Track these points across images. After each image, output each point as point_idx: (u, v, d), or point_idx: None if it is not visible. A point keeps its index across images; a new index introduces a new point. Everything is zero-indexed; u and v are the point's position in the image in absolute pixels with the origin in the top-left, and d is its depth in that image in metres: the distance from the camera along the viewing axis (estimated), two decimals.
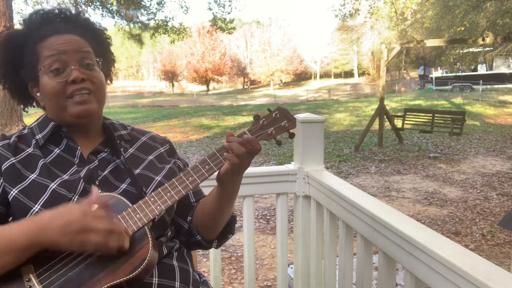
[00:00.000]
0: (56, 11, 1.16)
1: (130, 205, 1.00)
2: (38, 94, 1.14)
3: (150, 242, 0.97)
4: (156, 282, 1.03)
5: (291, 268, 2.37)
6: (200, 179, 1.03)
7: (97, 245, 0.89)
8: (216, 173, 1.06)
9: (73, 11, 1.18)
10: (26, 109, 1.23)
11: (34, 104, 1.21)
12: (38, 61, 1.10)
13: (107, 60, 1.23)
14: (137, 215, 0.98)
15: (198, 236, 1.21)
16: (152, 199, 1.01)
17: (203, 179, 1.04)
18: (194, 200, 1.25)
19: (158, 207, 1.00)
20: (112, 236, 0.90)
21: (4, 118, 7.46)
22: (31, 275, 0.93)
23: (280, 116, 1.09)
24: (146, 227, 0.98)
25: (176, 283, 1.07)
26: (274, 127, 1.08)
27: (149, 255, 0.95)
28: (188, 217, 1.22)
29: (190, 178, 1.03)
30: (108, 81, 1.24)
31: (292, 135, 1.11)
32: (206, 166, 1.04)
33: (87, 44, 1.13)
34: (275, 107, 1.11)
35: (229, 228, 1.26)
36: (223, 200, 1.13)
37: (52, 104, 1.11)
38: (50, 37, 1.10)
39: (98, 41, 1.20)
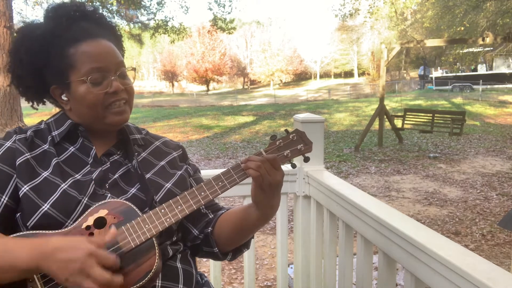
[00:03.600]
0: (76, 7, 1.09)
1: (140, 214, 0.99)
2: (64, 97, 1.10)
3: (157, 253, 0.97)
4: (160, 285, 1.03)
5: (291, 268, 2.36)
6: (212, 195, 1.03)
7: None
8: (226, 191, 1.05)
9: (89, 8, 1.13)
10: (34, 106, 1.18)
11: (47, 102, 1.17)
12: (71, 67, 1.05)
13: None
14: (146, 226, 0.97)
15: (216, 249, 1.18)
16: (162, 210, 1.00)
17: (216, 196, 1.03)
18: (204, 207, 1.22)
19: (168, 220, 0.99)
20: None
21: (4, 118, 7.47)
22: (35, 276, 0.93)
23: (297, 138, 1.07)
24: (153, 238, 0.98)
25: (180, 285, 1.07)
26: (290, 149, 1.06)
27: (155, 266, 0.95)
28: (209, 228, 1.18)
29: (203, 194, 1.02)
30: None
31: (307, 159, 1.09)
32: (220, 183, 1.03)
33: (117, 50, 1.11)
34: (292, 127, 1.10)
35: (247, 243, 1.23)
36: (260, 220, 1.11)
37: (88, 112, 1.08)
38: (83, 42, 1.05)
39: (118, 40, 1.17)
